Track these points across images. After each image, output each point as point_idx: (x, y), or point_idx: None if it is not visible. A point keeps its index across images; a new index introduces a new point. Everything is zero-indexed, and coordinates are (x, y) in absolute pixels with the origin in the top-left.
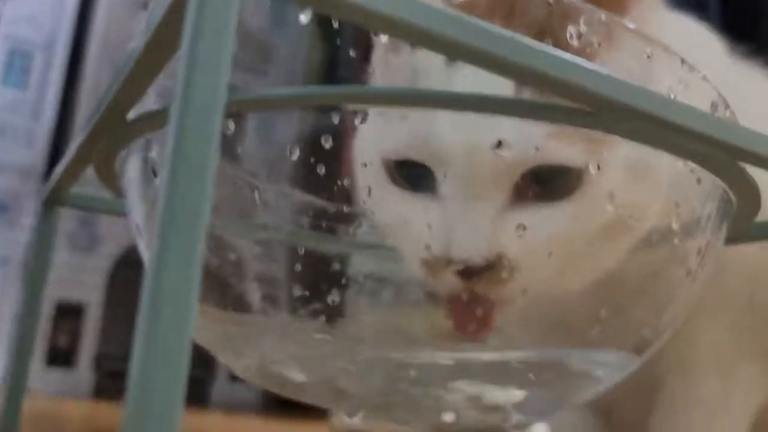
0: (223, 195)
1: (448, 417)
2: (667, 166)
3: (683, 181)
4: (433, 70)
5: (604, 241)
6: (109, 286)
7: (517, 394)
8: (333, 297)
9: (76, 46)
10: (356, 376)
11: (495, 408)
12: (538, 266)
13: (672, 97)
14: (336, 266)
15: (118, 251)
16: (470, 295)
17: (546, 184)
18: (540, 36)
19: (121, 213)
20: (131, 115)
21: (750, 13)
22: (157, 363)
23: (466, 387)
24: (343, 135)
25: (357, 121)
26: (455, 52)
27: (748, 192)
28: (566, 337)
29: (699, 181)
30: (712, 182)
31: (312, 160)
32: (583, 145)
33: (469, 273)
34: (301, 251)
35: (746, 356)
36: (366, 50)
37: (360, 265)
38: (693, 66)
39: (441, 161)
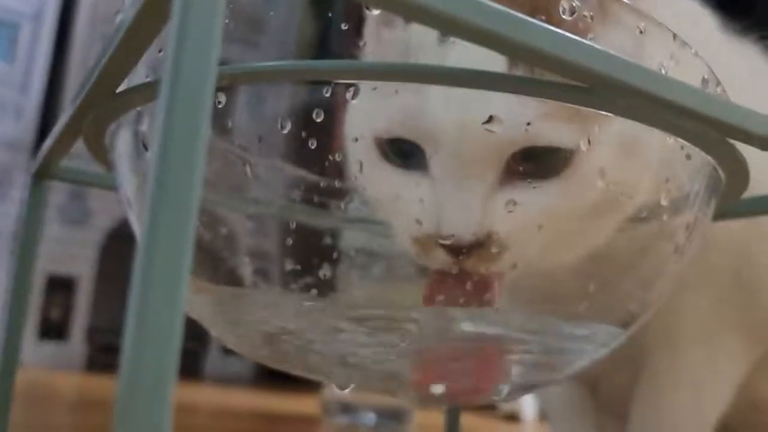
0: (214, 169)
1: (437, 389)
2: (658, 142)
3: (673, 158)
4: (426, 46)
5: (595, 217)
6: (101, 260)
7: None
8: (324, 271)
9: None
10: (346, 347)
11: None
12: (528, 242)
13: (663, 72)
14: (327, 240)
15: (109, 224)
16: (459, 270)
17: (537, 162)
18: (533, 11)
19: (111, 186)
20: (121, 88)
21: None
22: (149, 336)
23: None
24: (334, 109)
25: (348, 96)
26: (448, 27)
27: (737, 168)
28: (555, 312)
29: (688, 157)
30: (701, 158)
31: (304, 134)
32: (574, 122)
33: (458, 249)
34: (293, 225)
35: (730, 329)
36: (358, 23)
37: (351, 239)
38: (685, 42)
39: (432, 139)
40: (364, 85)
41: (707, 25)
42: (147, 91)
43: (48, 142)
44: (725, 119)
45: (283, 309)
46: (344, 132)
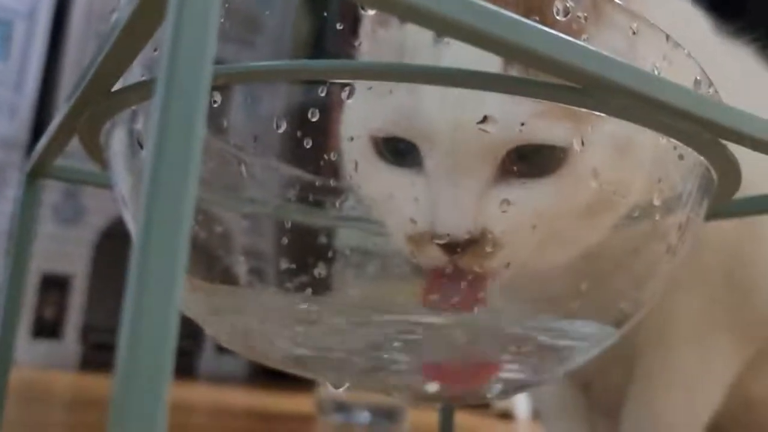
0: (209, 168)
1: (432, 387)
2: (650, 142)
3: (665, 158)
4: (420, 46)
5: (588, 217)
6: (95, 258)
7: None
8: (319, 270)
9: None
10: (341, 345)
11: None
12: (522, 241)
13: (656, 73)
14: (322, 240)
15: (104, 223)
16: (454, 268)
17: (531, 161)
18: (527, 12)
19: (106, 185)
20: (117, 86)
21: None
22: (144, 335)
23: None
24: (330, 108)
25: (344, 96)
26: (442, 27)
27: (729, 169)
28: (547, 310)
29: (681, 157)
30: (694, 159)
31: (299, 133)
32: (568, 122)
33: (452, 247)
34: (288, 225)
35: (723, 329)
36: (353, 23)
37: (346, 238)
38: (678, 43)
39: (426, 138)
40: (360, 85)
41: (700, 26)
42: (142, 90)
43: (43, 141)
44: (717, 120)
45: (277, 311)
46: (339, 131)
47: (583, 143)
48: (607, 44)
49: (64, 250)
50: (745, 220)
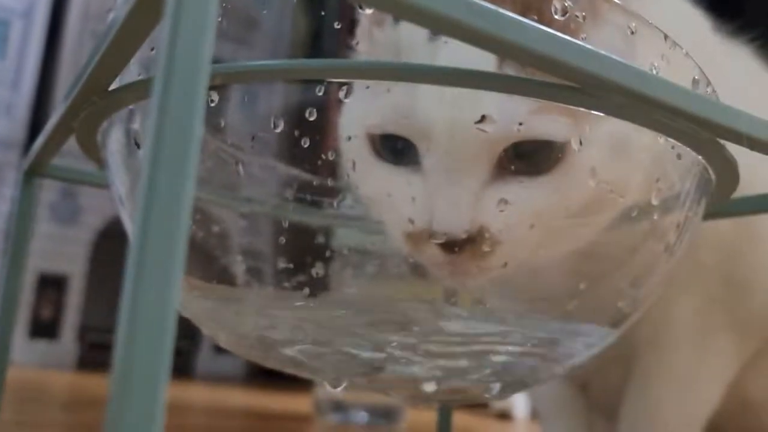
0: (207, 167)
1: (429, 387)
2: (649, 142)
3: (664, 157)
4: (416, 44)
5: (586, 216)
6: (92, 258)
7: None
8: (317, 270)
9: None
10: (338, 345)
11: (475, 379)
12: (520, 239)
13: (654, 72)
14: (320, 239)
15: (101, 223)
16: (452, 267)
17: (528, 158)
18: (525, 10)
19: (102, 184)
20: (114, 86)
21: None
22: (142, 335)
23: (447, 358)
24: (327, 108)
25: (341, 95)
26: (440, 26)
27: (727, 168)
28: (545, 309)
29: (679, 156)
30: (692, 158)
31: (296, 132)
32: (566, 120)
33: (450, 245)
34: (286, 224)
35: (721, 328)
36: (351, 22)
37: (344, 238)
38: (676, 42)
39: (424, 136)
40: (357, 84)
41: (699, 26)
42: (139, 89)
43: (39, 140)
44: (716, 119)
45: (274, 311)
46: (337, 131)
47: (581, 143)
48: (605, 43)
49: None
50: (743, 220)
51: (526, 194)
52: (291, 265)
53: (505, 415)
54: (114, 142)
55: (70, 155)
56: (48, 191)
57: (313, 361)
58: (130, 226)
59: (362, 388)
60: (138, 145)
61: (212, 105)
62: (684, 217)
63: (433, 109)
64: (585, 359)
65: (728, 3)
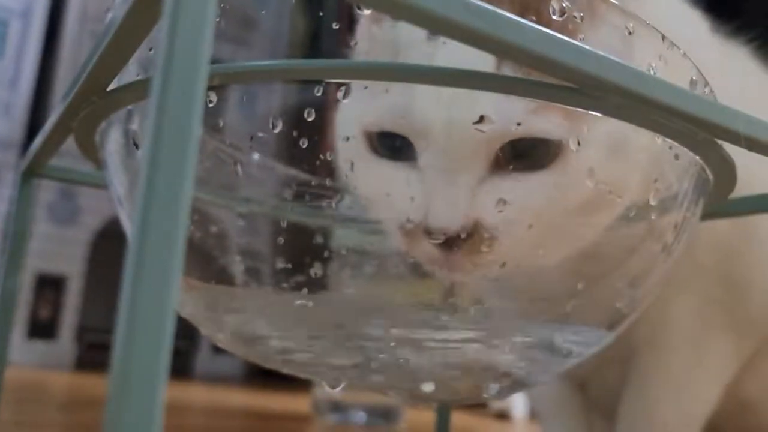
0: (205, 167)
1: (427, 387)
2: (646, 142)
3: (661, 158)
4: (415, 43)
5: (583, 216)
6: (91, 258)
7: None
8: (316, 270)
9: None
10: (337, 345)
11: (474, 379)
12: (518, 238)
13: (652, 73)
14: (319, 239)
15: (100, 223)
16: (449, 264)
17: (525, 155)
18: (523, 11)
19: (101, 185)
20: (112, 86)
21: None
22: (140, 335)
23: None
24: (326, 108)
25: (340, 95)
26: (438, 26)
27: (725, 169)
28: (543, 309)
29: (677, 157)
30: (689, 159)
31: (295, 133)
32: (564, 120)
33: (447, 243)
34: (284, 224)
35: (718, 328)
36: (349, 22)
37: (343, 238)
38: (673, 43)
39: (421, 134)
40: (355, 84)
41: (697, 26)
42: (138, 90)
43: (38, 140)
44: (713, 120)
45: (273, 311)
46: (335, 131)
47: (579, 143)
48: (603, 44)
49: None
50: (741, 220)
51: (523, 192)
52: (289, 266)
53: (503, 415)
54: (112, 142)
55: (69, 155)
56: (46, 191)
57: (311, 362)
58: (128, 227)
59: (361, 388)
60: (136, 146)
61: (211, 105)
62: (682, 217)
63: (430, 109)
64: (583, 359)
65: (726, 3)
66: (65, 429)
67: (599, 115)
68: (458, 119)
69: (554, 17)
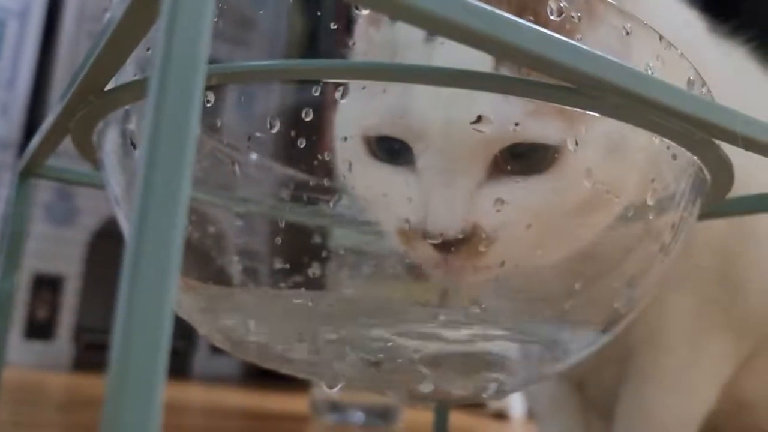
0: (203, 167)
1: (426, 387)
2: (644, 142)
3: (659, 158)
4: (412, 44)
5: (581, 216)
6: (88, 259)
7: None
8: (313, 270)
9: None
10: (335, 346)
11: (472, 379)
12: (516, 239)
13: (650, 73)
14: (316, 239)
15: (97, 223)
16: (447, 266)
17: (524, 158)
18: (520, 11)
19: (98, 185)
20: (109, 86)
21: None
22: (138, 335)
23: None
24: (323, 108)
25: (338, 95)
26: (436, 26)
27: (722, 169)
28: (541, 309)
29: (674, 157)
30: (687, 159)
31: (293, 133)
32: (562, 121)
33: (445, 245)
34: (282, 224)
35: (716, 328)
36: (347, 22)
37: (341, 238)
38: (671, 43)
39: (419, 136)
40: (353, 85)
41: (694, 26)
42: (135, 90)
43: (35, 140)
44: (710, 120)
45: (271, 311)
46: (333, 131)
47: (577, 143)
48: (600, 44)
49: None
50: (738, 220)
51: (521, 194)
52: (287, 266)
53: (501, 415)
54: (110, 142)
55: (66, 156)
56: (43, 192)
57: (309, 362)
58: (126, 227)
59: (359, 387)
60: (134, 146)
61: (208, 105)
62: (679, 217)
63: (428, 110)
64: (581, 359)
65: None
66: (63, 429)
67: (597, 115)
68: (456, 119)
69: (552, 17)
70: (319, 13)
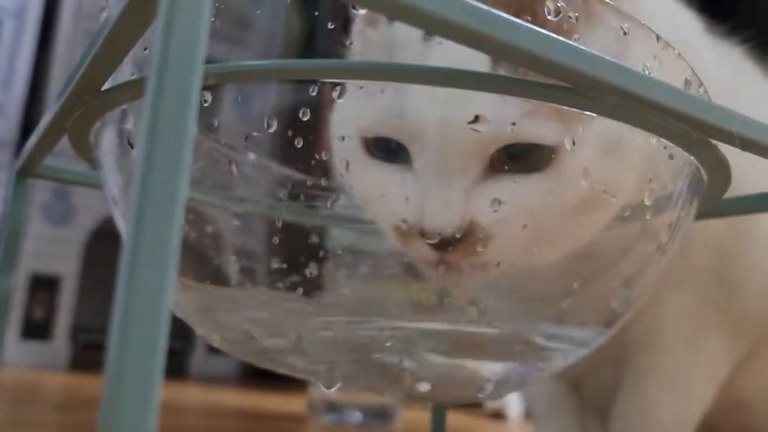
0: (200, 167)
1: (423, 387)
2: (641, 142)
3: (656, 157)
4: (410, 44)
5: (578, 216)
6: (85, 258)
7: (490, 366)
8: (311, 270)
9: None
10: (332, 346)
11: (469, 379)
12: (513, 238)
13: (647, 73)
14: (314, 239)
15: (94, 223)
16: (445, 265)
17: (521, 157)
18: (518, 11)
19: (95, 185)
20: (106, 86)
21: None
22: (135, 335)
23: (441, 358)
24: (321, 108)
25: (335, 95)
26: (433, 26)
27: (719, 169)
28: (539, 309)
29: (671, 157)
30: (684, 158)
31: (290, 133)
32: (559, 121)
33: (442, 244)
34: (279, 224)
35: (713, 328)
36: (345, 22)
37: (338, 238)
38: (668, 43)
39: (416, 136)
40: (351, 84)
41: (691, 27)
42: (132, 89)
43: (32, 140)
44: (707, 120)
45: (268, 311)
46: (331, 131)
47: (574, 143)
48: (598, 44)
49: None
50: (735, 220)
51: (518, 193)
52: (284, 266)
53: (498, 415)
54: (107, 141)
55: (63, 155)
56: (40, 191)
57: (307, 362)
58: (123, 227)
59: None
60: (131, 145)
61: (205, 105)
62: (676, 217)
63: (426, 110)
64: (578, 359)
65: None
66: (60, 429)
67: (594, 115)
68: (453, 119)
69: (549, 17)
70: (316, 13)
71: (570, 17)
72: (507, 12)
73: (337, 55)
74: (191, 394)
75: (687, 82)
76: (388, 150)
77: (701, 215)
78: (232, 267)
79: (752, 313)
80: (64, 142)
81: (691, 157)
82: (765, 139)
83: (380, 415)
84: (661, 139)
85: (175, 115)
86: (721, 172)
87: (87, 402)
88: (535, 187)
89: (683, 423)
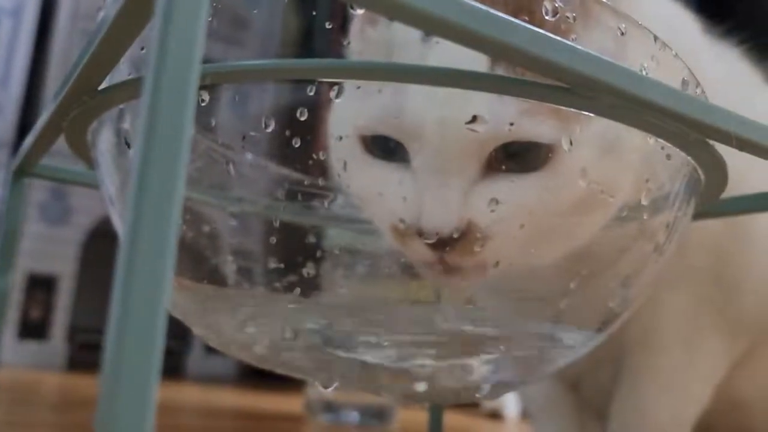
0: (197, 167)
1: (421, 387)
2: (639, 142)
3: (653, 158)
4: (409, 44)
5: (576, 216)
6: (82, 258)
7: (488, 366)
8: (308, 270)
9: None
10: (329, 346)
11: (467, 379)
12: (510, 238)
13: (644, 73)
14: (311, 239)
15: (91, 223)
16: (443, 265)
17: (518, 157)
18: (516, 11)
19: (92, 184)
20: (103, 85)
21: None
22: (132, 335)
23: (438, 358)
24: (318, 107)
25: (332, 95)
26: (431, 26)
27: (717, 169)
28: (536, 309)
29: (669, 157)
30: (681, 159)
31: (287, 132)
32: (557, 121)
33: (440, 243)
34: (277, 224)
35: (710, 328)
36: (342, 22)
37: (335, 238)
38: (665, 43)
39: (414, 136)
40: (348, 84)
41: (689, 27)
42: (129, 89)
43: (29, 140)
44: (705, 120)
45: (265, 311)
46: (328, 131)
47: (571, 143)
48: (595, 44)
49: (51, 249)
50: (732, 220)
51: (516, 193)
52: (282, 265)
53: (496, 415)
54: (104, 141)
55: (60, 155)
56: (37, 191)
57: (304, 362)
58: (120, 226)
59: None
60: (128, 145)
61: (203, 104)
62: (673, 217)
63: (423, 109)
64: (576, 358)
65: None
66: (57, 429)
67: (592, 115)
68: (451, 119)
69: (547, 17)
70: (314, 13)
71: (567, 17)
72: (505, 12)
73: (334, 54)
74: (188, 394)
75: (684, 83)
76: (386, 148)
77: (698, 215)
78: (229, 267)
79: (749, 313)
80: (61, 142)
81: (689, 158)
82: (762, 140)
83: (377, 414)
84: (659, 140)
85: (172, 114)
86: (718, 172)
87: (84, 402)
88: (532, 187)
89: (680, 423)
